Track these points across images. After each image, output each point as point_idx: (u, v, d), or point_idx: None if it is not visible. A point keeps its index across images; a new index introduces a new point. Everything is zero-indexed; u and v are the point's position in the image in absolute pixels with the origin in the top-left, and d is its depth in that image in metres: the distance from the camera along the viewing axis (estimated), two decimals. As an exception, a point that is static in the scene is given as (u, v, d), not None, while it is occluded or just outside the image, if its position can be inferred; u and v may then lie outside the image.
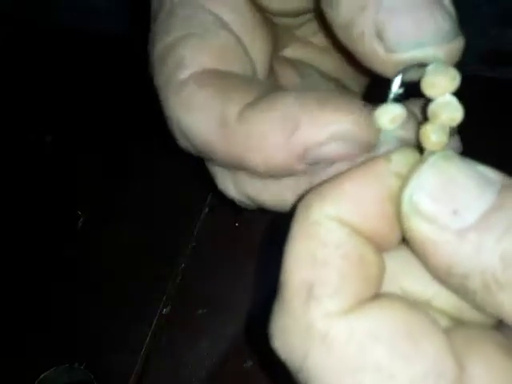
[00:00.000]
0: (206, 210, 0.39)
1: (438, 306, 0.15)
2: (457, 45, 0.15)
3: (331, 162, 0.16)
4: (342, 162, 0.16)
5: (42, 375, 0.31)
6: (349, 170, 0.15)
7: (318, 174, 0.17)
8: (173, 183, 0.41)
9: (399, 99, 0.16)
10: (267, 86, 0.18)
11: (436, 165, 0.14)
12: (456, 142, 0.18)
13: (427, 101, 0.15)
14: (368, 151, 0.16)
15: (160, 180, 0.41)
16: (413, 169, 0.14)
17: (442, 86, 0.15)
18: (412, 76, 0.16)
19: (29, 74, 0.51)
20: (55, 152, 0.44)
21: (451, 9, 0.15)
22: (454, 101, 0.15)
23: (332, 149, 0.16)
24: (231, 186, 0.20)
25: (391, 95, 0.16)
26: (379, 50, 0.15)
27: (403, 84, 0.16)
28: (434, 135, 0.15)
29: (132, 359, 0.32)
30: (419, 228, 0.13)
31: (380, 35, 0.15)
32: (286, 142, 0.16)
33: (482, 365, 0.13)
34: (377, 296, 0.14)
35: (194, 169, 0.42)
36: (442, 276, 0.14)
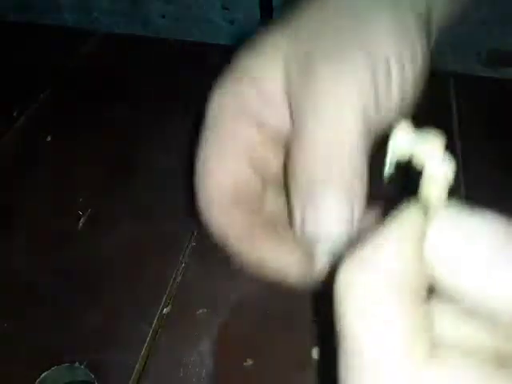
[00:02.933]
0: (206, 209, 0.39)
1: (470, 344, 0.15)
2: None
3: None
4: None
5: (43, 375, 0.31)
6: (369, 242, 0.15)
7: None
8: (173, 183, 0.41)
9: (393, 178, 0.18)
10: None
11: (450, 217, 0.15)
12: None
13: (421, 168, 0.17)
14: None
15: (160, 180, 0.41)
16: (425, 226, 0.15)
17: (430, 151, 0.16)
18: (401, 153, 0.17)
19: (29, 74, 0.51)
20: (55, 152, 0.44)
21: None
22: (445, 162, 0.16)
23: None
24: None
25: (385, 179, 0.18)
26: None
27: (392, 164, 0.17)
28: (435, 192, 0.16)
29: (132, 359, 0.32)
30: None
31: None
32: None
33: None
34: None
35: (195, 169, 0.42)
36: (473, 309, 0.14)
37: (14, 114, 0.47)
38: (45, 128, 0.45)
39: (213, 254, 0.37)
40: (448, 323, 0.15)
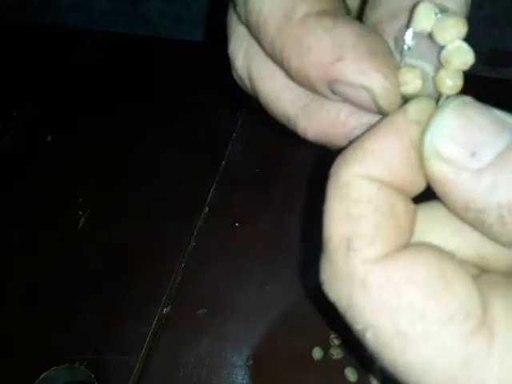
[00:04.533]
0: (206, 209, 0.39)
1: (462, 256, 0.16)
2: None
3: (347, 101, 0.18)
4: (353, 107, 0.18)
5: (42, 375, 0.31)
6: (370, 128, 0.16)
7: (322, 101, 0.18)
8: (173, 183, 0.41)
9: (411, 49, 0.17)
10: (337, 2, 0.19)
11: (454, 107, 0.15)
12: None
13: (439, 48, 0.16)
14: (379, 114, 0.17)
15: (160, 180, 0.41)
16: (431, 115, 0.15)
17: (452, 32, 0.16)
18: (422, 26, 0.16)
19: (29, 74, 0.51)
20: (55, 152, 0.44)
21: None
22: (465, 45, 0.16)
23: (356, 94, 0.17)
24: (241, 55, 0.21)
25: (405, 46, 0.17)
26: None
27: (415, 35, 0.17)
28: (449, 80, 0.16)
29: (132, 359, 0.32)
30: (440, 169, 0.15)
31: None
32: (326, 64, 0.17)
33: (503, 304, 0.14)
34: (409, 245, 0.15)
35: (195, 169, 0.42)
36: (461, 211, 0.15)
37: (14, 114, 0.47)
38: (45, 128, 0.45)
39: (212, 254, 0.37)
40: (441, 234, 0.16)
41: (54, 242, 0.38)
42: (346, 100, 0.18)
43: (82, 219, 0.39)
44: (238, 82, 0.21)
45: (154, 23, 0.57)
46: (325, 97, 0.18)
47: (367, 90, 0.16)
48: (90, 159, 0.43)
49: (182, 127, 0.45)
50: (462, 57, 0.16)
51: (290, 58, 0.17)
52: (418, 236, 0.16)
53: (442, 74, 0.16)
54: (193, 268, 0.36)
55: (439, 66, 0.16)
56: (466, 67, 0.16)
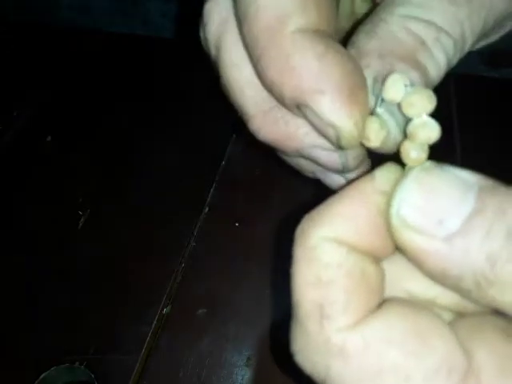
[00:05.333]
0: (206, 209, 0.39)
1: (441, 303, 0.15)
2: None
3: (312, 125, 0.18)
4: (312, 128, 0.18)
5: (42, 375, 0.31)
6: (337, 193, 0.16)
7: (284, 111, 0.19)
8: (173, 183, 0.41)
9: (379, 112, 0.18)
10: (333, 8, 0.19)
11: (417, 178, 0.15)
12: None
13: (406, 120, 0.17)
14: (336, 145, 0.18)
15: (160, 180, 0.41)
16: (396, 184, 0.15)
17: (419, 107, 0.16)
18: (391, 96, 0.17)
19: (29, 73, 0.51)
20: (55, 152, 0.44)
21: None
22: (431, 121, 0.16)
23: (322, 126, 0.17)
24: (217, 19, 0.20)
25: (379, 99, 0.17)
26: None
27: (383, 100, 0.17)
28: (414, 152, 0.16)
29: (132, 359, 0.32)
30: (409, 239, 0.14)
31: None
32: (303, 90, 0.17)
33: (486, 350, 0.13)
34: (383, 303, 0.15)
35: (195, 169, 0.42)
36: (438, 279, 0.14)
37: (14, 114, 0.47)
38: (45, 128, 0.45)
39: (212, 254, 0.37)
40: (419, 281, 0.16)
41: (54, 242, 0.38)
42: (309, 123, 0.18)
43: (81, 219, 0.39)
44: (202, 42, 0.21)
45: (154, 23, 0.57)
46: (289, 110, 0.18)
47: (335, 128, 0.17)
48: (90, 159, 0.43)
49: (182, 127, 0.45)
50: (427, 132, 0.16)
51: (269, 66, 0.17)
52: (398, 284, 0.16)
53: (407, 145, 0.16)
54: (193, 268, 0.36)
55: (404, 136, 0.17)
56: (430, 142, 0.16)
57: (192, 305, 0.34)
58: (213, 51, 0.20)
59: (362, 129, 0.17)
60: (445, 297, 0.15)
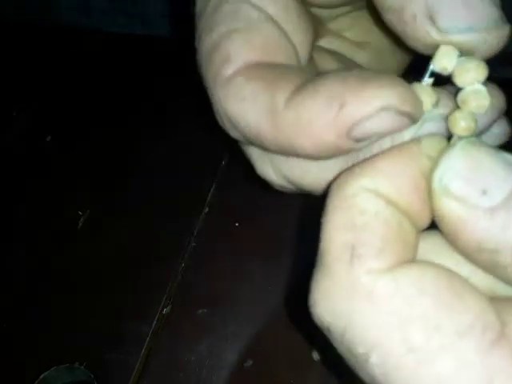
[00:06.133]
0: (206, 209, 0.39)
1: (472, 284, 0.15)
2: (506, 31, 0.16)
3: (378, 136, 0.17)
4: (386, 140, 0.17)
5: (42, 375, 0.31)
6: (382, 152, 0.15)
7: (360, 153, 0.17)
8: (173, 183, 0.41)
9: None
10: (311, 71, 0.19)
11: (465, 148, 0.15)
12: (504, 125, 0.19)
13: (457, 89, 0.16)
14: (414, 123, 0.17)
15: (160, 180, 0.41)
16: (442, 152, 0.15)
17: (471, 75, 0.16)
18: (443, 65, 0.16)
19: (29, 74, 0.51)
20: (55, 152, 0.44)
21: None
22: (483, 89, 0.16)
23: (379, 121, 0.16)
24: (271, 170, 0.20)
25: (423, 82, 0.17)
26: (431, 32, 0.16)
27: (433, 74, 0.17)
28: (463, 121, 0.16)
29: (132, 359, 0.32)
30: (450, 207, 0.14)
31: (432, 18, 0.16)
32: (333, 120, 0.16)
33: None
34: (415, 261, 0.14)
35: (195, 169, 0.42)
36: (473, 252, 0.14)
37: (14, 114, 0.47)
38: (45, 128, 0.45)
39: (212, 254, 0.37)
40: (450, 260, 0.15)
41: (54, 241, 0.38)
42: (375, 136, 0.17)
43: (81, 219, 0.39)
44: (283, 190, 0.21)
45: (154, 23, 0.57)
46: (356, 150, 0.17)
47: (386, 108, 0.16)
48: (89, 159, 0.43)
49: (181, 127, 0.45)
50: (479, 100, 0.16)
51: (301, 143, 0.17)
52: (425, 259, 0.15)
53: (457, 115, 0.16)
54: (193, 268, 0.36)
55: (454, 107, 0.17)
56: (481, 111, 0.16)
57: (192, 305, 0.34)
58: (294, 188, 0.21)
59: (405, 84, 0.16)
60: (476, 277, 0.15)
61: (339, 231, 0.14)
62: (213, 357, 0.32)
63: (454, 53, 0.16)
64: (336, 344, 0.14)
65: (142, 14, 0.56)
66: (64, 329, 0.33)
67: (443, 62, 0.16)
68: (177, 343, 0.32)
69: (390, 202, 0.14)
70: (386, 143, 0.17)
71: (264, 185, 0.20)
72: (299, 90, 0.17)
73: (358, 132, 0.16)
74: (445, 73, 0.17)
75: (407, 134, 0.17)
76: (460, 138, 0.16)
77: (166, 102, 0.47)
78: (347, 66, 0.22)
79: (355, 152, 0.17)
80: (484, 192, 0.14)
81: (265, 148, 0.19)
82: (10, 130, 0.45)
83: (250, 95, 0.18)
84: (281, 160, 0.19)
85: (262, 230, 0.38)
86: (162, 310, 0.34)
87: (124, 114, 0.47)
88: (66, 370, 0.32)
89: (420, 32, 0.16)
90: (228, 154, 0.43)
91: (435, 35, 0.16)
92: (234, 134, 0.20)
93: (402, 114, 0.16)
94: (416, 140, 0.16)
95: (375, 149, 0.17)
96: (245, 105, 0.18)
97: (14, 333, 0.33)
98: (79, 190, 0.41)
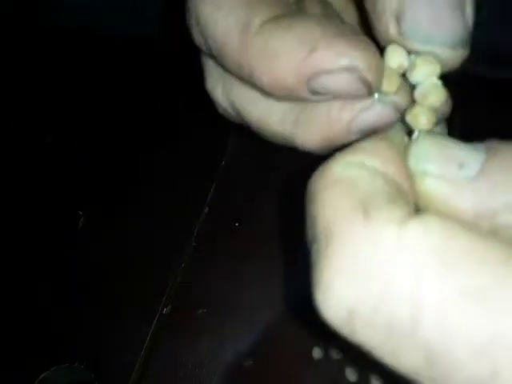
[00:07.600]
0: (206, 209, 0.39)
1: None
2: (462, 54, 0.16)
3: (332, 95, 0.17)
4: (339, 100, 0.17)
5: (42, 375, 0.31)
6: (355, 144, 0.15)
7: (310, 107, 0.17)
8: (173, 183, 0.41)
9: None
10: (294, 8, 0.18)
11: (429, 137, 0.15)
12: (443, 128, 0.20)
13: (413, 86, 0.17)
14: (368, 94, 0.17)
15: (160, 180, 0.41)
16: (408, 146, 0.15)
17: (429, 69, 0.16)
18: (399, 63, 0.17)
19: (29, 74, 0.51)
20: (55, 152, 0.44)
21: (470, 20, 0.16)
22: (439, 83, 0.16)
23: (340, 80, 0.16)
24: (219, 89, 0.20)
25: (393, 64, 0.17)
26: (392, 30, 0.16)
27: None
28: (424, 115, 0.16)
29: (132, 359, 0.32)
30: (434, 187, 0.14)
31: (398, 19, 0.16)
32: (299, 62, 0.16)
33: None
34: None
35: (195, 169, 0.42)
36: (473, 223, 0.14)
37: (14, 114, 0.47)
38: (45, 129, 0.45)
39: (212, 254, 0.37)
40: None
41: (54, 242, 0.38)
42: (332, 94, 0.17)
43: (81, 219, 0.39)
44: (224, 114, 0.21)
45: (154, 23, 0.57)
46: (309, 101, 0.17)
47: (350, 69, 0.16)
48: (90, 159, 0.43)
49: (182, 127, 0.45)
50: (438, 93, 0.16)
51: (261, 73, 0.16)
52: None
53: (417, 110, 0.16)
54: (193, 268, 0.36)
55: (412, 103, 0.17)
56: (439, 104, 0.16)
57: (192, 305, 0.34)
58: (235, 115, 0.20)
59: (375, 51, 0.16)
60: None
61: (341, 201, 0.13)
62: (213, 357, 0.32)
63: (403, 50, 0.17)
64: (363, 330, 0.12)
65: (142, 14, 0.56)
66: (64, 329, 0.33)
67: (396, 60, 0.17)
68: (177, 343, 0.32)
69: (378, 172, 0.14)
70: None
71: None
72: (276, 20, 0.16)
73: (317, 83, 0.16)
74: (400, 70, 0.17)
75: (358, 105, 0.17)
76: (420, 131, 0.16)
77: (165, 102, 0.47)
78: (331, 18, 0.22)
79: (304, 104, 0.17)
80: (461, 165, 0.14)
81: (222, 64, 0.18)
82: (9, 130, 0.45)
83: (227, 6, 0.17)
84: (233, 84, 0.19)
85: (262, 230, 0.38)
86: (162, 310, 0.34)
87: (123, 114, 0.47)
88: (66, 370, 0.32)
89: (383, 27, 0.16)
90: (228, 154, 0.43)
91: (395, 35, 0.16)
92: (197, 38, 0.20)
93: (363, 81, 0.16)
94: (383, 135, 0.16)
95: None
96: (219, 13, 0.17)
97: (14, 333, 0.33)
98: (79, 190, 0.41)
